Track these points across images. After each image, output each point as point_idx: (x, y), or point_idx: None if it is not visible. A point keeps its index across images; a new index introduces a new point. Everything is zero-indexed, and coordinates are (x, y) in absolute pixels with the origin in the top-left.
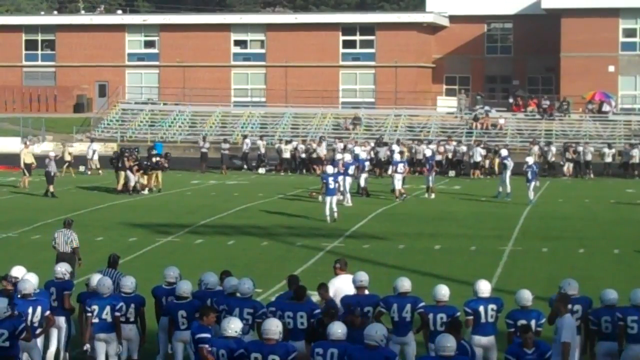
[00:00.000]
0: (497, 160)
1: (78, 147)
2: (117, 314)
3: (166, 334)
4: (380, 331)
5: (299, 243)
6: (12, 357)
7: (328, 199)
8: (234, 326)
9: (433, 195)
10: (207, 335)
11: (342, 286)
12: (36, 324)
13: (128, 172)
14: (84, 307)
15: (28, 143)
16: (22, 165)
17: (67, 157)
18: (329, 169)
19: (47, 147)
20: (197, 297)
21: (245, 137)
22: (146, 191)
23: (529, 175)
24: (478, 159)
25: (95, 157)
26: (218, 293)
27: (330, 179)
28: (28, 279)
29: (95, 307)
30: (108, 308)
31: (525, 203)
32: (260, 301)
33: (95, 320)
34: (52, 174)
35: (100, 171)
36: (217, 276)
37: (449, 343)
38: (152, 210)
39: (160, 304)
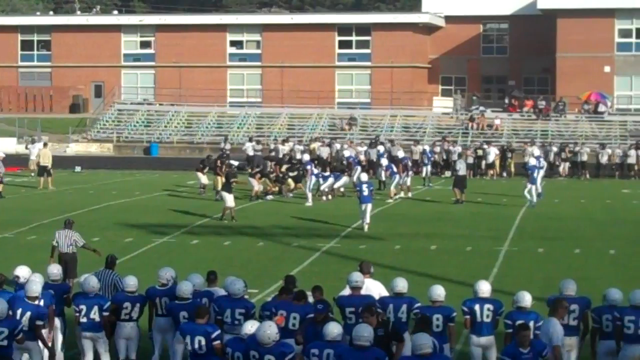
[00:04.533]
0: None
1: (74, 148)
2: (105, 313)
3: (160, 335)
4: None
5: (295, 243)
6: (6, 357)
7: (362, 206)
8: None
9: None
10: (218, 332)
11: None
12: (41, 324)
13: (252, 179)
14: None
15: (46, 143)
16: (36, 166)
17: None
18: (364, 177)
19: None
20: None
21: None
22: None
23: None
24: (491, 159)
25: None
26: (207, 293)
27: (364, 186)
28: (35, 280)
29: (83, 307)
30: (96, 308)
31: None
32: (252, 301)
33: (83, 320)
34: (1, 174)
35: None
36: (204, 277)
37: (424, 340)
38: (148, 210)
39: (154, 305)
